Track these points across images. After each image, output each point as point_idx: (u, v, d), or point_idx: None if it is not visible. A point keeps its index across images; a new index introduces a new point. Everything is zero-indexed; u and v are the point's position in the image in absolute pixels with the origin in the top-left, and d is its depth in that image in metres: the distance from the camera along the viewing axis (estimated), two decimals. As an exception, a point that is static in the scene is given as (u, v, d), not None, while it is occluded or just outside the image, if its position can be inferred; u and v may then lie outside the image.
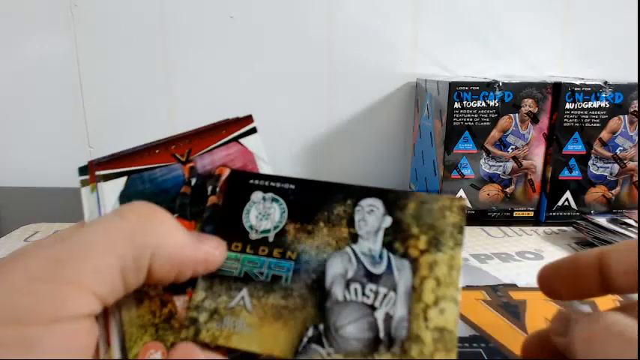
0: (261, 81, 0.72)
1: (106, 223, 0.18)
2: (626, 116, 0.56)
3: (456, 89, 0.55)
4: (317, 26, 0.71)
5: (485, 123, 0.56)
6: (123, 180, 0.22)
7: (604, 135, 0.57)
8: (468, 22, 0.71)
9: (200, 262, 0.19)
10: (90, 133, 0.74)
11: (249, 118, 0.24)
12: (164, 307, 0.20)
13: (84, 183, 0.23)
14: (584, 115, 0.56)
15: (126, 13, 0.69)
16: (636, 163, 0.58)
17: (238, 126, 0.23)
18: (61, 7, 0.69)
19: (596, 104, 0.56)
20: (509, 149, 0.57)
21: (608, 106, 0.56)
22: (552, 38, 0.71)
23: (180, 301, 0.20)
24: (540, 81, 0.57)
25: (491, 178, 0.58)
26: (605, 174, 0.58)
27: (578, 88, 0.55)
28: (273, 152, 0.75)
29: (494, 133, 0.57)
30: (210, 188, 0.22)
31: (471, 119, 0.56)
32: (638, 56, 0.68)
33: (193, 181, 0.22)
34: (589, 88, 0.55)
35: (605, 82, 0.56)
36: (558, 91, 0.56)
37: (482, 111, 0.56)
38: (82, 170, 0.23)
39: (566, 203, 0.59)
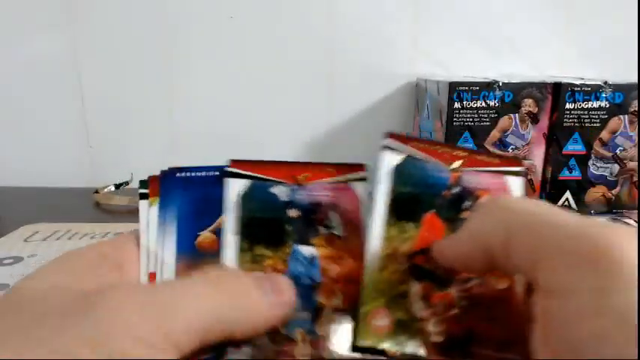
0: (261, 81, 0.72)
1: (200, 286, 0.19)
2: (626, 116, 0.56)
3: (455, 89, 0.55)
4: (317, 26, 0.71)
5: (485, 123, 0.56)
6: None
7: (604, 135, 0.57)
8: (468, 21, 0.71)
9: (275, 319, 0.20)
10: (90, 133, 0.74)
11: (519, 161, 0.25)
12: (401, 285, 0.21)
13: (143, 196, 0.24)
14: (584, 115, 0.56)
15: (126, 12, 0.69)
16: (636, 163, 0.58)
17: (509, 163, 0.25)
18: (61, 7, 0.69)
19: (596, 104, 0.56)
20: (509, 149, 0.57)
21: (608, 106, 0.56)
22: (552, 38, 0.71)
23: (414, 288, 0.21)
24: (540, 81, 0.57)
25: (491, 178, 0.58)
26: (605, 174, 0.58)
27: (578, 88, 0.55)
28: (273, 152, 0.75)
29: (494, 133, 0.57)
30: (466, 204, 0.23)
31: (471, 119, 0.56)
32: (638, 56, 0.68)
33: (455, 189, 0.24)
34: (589, 88, 0.55)
35: (605, 82, 0.56)
36: (558, 91, 0.56)
37: (482, 111, 0.56)
38: (143, 183, 0.24)
39: (566, 203, 0.59)
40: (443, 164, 0.24)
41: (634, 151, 0.57)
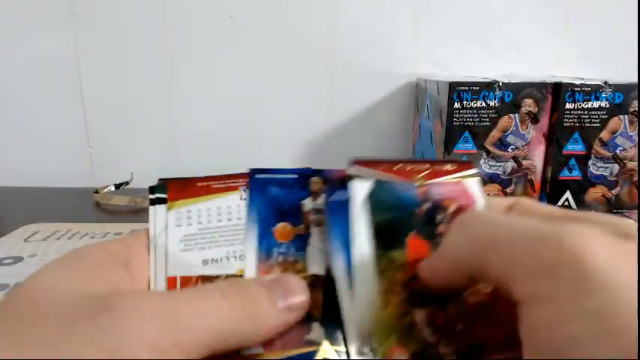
0: (261, 81, 0.72)
1: (210, 297, 0.19)
2: (626, 116, 0.56)
3: (456, 89, 0.55)
4: (317, 26, 0.71)
5: (485, 123, 0.56)
6: (370, 183, 0.24)
7: (604, 135, 0.57)
8: (468, 21, 0.71)
9: (285, 324, 0.20)
10: (90, 133, 0.74)
11: (470, 164, 0.25)
12: (406, 316, 0.21)
13: (158, 201, 0.24)
14: (584, 115, 0.56)
15: (126, 12, 0.69)
16: (636, 163, 0.58)
17: (463, 167, 0.25)
18: (61, 6, 0.69)
19: (596, 104, 0.56)
20: (509, 149, 0.57)
21: (608, 106, 0.56)
22: (552, 38, 0.71)
23: (419, 315, 0.21)
24: (540, 81, 0.57)
25: (492, 178, 0.58)
26: (605, 174, 0.58)
27: (578, 88, 0.55)
28: (273, 152, 0.75)
29: (494, 133, 0.57)
30: (439, 217, 0.24)
31: (471, 119, 0.56)
32: (638, 56, 0.68)
33: (426, 205, 0.24)
34: (589, 88, 0.55)
35: (605, 82, 0.56)
36: (558, 91, 0.56)
37: (482, 111, 0.56)
38: (160, 188, 0.24)
39: (567, 203, 0.59)
40: (409, 182, 0.24)
41: (634, 151, 0.57)
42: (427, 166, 0.24)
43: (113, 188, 0.66)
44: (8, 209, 0.62)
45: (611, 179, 0.58)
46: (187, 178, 0.25)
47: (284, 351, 0.20)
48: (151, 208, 0.24)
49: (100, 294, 0.18)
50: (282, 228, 0.23)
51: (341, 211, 0.23)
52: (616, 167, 0.58)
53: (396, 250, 0.22)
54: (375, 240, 0.22)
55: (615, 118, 0.56)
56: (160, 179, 0.24)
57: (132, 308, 0.17)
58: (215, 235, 0.23)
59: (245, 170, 0.25)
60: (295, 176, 0.24)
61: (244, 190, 0.24)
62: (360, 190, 0.23)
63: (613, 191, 0.59)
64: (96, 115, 0.73)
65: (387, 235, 0.23)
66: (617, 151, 0.57)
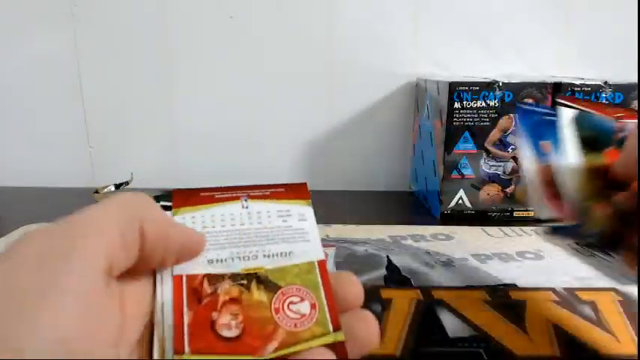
0: (261, 81, 0.72)
1: (102, 202, 0.21)
2: (626, 116, 0.56)
3: (456, 89, 0.55)
4: (317, 26, 0.71)
5: (485, 123, 0.56)
6: (574, 112, 0.33)
7: (604, 135, 0.57)
8: (468, 21, 0.71)
9: (185, 243, 0.22)
10: (90, 133, 0.74)
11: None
12: (605, 192, 0.28)
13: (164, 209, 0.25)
14: (584, 115, 0.56)
15: (126, 12, 0.69)
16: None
17: None
18: (61, 6, 0.69)
19: (596, 104, 0.56)
20: (510, 149, 0.57)
21: (608, 106, 0.56)
22: (552, 38, 0.71)
23: (618, 196, 0.28)
24: (540, 81, 0.57)
25: (492, 178, 0.58)
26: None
27: (578, 88, 0.55)
28: (273, 152, 0.75)
29: (495, 133, 0.57)
30: None
31: (471, 119, 0.56)
32: (638, 56, 0.68)
33: (623, 134, 0.31)
34: (589, 88, 0.55)
35: (605, 82, 0.56)
36: (558, 91, 0.56)
37: (482, 111, 0.56)
38: (164, 197, 0.25)
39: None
40: (607, 116, 0.32)
41: (634, 151, 0.57)
42: (622, 109, 0.34)
43: (113, 188, 0.66)
44: (8, 209, 0.62)
45: (611, 179, 0.58)
46: (191, 189, 0.26)
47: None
48: None
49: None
50: (545, 143, 0.32)
51: (553, 126, 0.32)
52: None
53: (597, 153, 0.30)
54: (578, 144, 0.31)
55: (615, 118, 0.56)
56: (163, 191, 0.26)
57: (32, 238, 0.20)
58: (219, 237, 0.24)
59: (245, 183, 0.27)
60: (548, 110, 0.34)
61: (245, 200, 0.26)
62: (567, 114, 0.32)
63: (613, 191, 0.59)
64: (96, 115, 0.73)
65: (589, 144, 0.31)
66: (617, 151, 0.57)
